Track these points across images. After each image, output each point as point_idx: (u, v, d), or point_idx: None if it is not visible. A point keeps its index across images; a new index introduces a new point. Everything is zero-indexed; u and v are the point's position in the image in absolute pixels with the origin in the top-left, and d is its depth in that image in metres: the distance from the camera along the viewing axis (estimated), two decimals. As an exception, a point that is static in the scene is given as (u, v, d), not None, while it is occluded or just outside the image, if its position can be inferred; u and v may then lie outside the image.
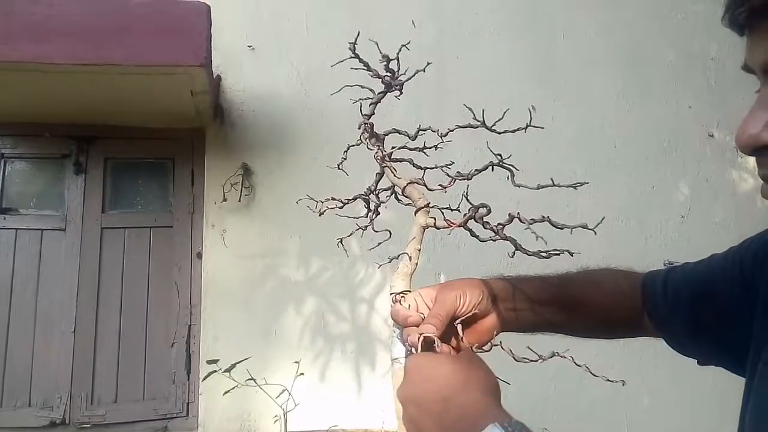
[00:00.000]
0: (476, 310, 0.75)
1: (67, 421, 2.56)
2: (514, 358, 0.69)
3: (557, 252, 0.75)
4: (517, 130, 0.81)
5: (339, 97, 1.04)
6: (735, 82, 3.21)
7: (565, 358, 0.66)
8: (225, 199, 2.78)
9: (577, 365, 0.66)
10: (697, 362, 0.84)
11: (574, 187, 0.77)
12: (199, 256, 2.80)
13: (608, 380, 0.65)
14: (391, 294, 0.77)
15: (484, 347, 0.75)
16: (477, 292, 0.75)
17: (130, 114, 2.76)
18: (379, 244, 0.95)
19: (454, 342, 0.76)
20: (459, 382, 0.61)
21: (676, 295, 0.81)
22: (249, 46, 2.98)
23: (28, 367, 2.61)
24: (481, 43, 3.21)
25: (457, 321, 0.74)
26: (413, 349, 0.71)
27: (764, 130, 0.51)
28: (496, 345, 0.74)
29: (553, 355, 0.68)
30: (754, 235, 0.75)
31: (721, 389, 2.69)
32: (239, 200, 2.79)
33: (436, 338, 0.70)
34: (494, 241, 0.76)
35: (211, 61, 2.33)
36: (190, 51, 2.20)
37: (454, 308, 0.73)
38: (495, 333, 0.78)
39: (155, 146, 2.91)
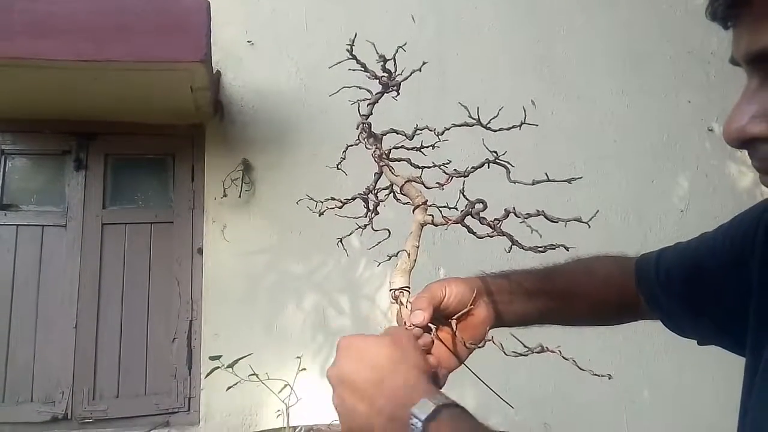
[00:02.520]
0: (470, 306, 0.76)
1: (69, 416, 2.58)
2: (504, 352, 0.70)
3: (553, 246, 0.76)
4: (512, 127, 0.82)
5: (339, 94, 1.05)
6: (734, 77, 3.18)
7: (554, 352, 0.67)
8: (225, 195, 2.78)
9: (565, 359, 0.66)
10: (697, 342, 0.84)
11: (569, 182, 0.78)
12: (200, 251, 2.80)
13: (594, 374, 0.66)
14: (390, 290, 0.78)
15: (478, 343, 0.76)
16: (462, 285, 0.77)
17: (131, 110, 2.76)
18: (379, 242, 0.96)
19: (449, 338, 0.77)
20: (392, 362, 0.61)
21: (669, 276, 0.81)
22: (249, 42, 2.98)
23: (30, 363, 2.62)
24: (481, 39, 3.21)
25: (453, 318, 0.75)
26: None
27: (750, 122, 0.51)
28: (488, 340, 0.75)
29: (543, 349, 0.69)
30: (744, 210, 0.74)
31: (722, 382, 2.70)
32: (239, 196, 2.79)
33: (432, 327, 0.72)
34: (491, 237, 0.77)
35: (211, 57, 2.33)
36: (189, 47, 2.20)
37: (440, 296, 0.75)
38: (488, 327, 0.79)
39: (155, 142, 2.92)
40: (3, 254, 2.69)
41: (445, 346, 0.76)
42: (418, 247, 0.79)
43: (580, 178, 0.79)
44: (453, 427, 0.55)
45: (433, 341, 0.73)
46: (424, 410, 0.55)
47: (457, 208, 0.80)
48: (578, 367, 0.65)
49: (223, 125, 2.89)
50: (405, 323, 0.73)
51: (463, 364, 0.78)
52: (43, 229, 2.75)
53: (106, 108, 2.73)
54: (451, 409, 0.56)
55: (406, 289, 0.77)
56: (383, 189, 0.88)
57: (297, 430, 2.17)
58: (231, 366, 2.16)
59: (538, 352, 0.69)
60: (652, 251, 0.88)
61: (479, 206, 0.76)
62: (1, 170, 2.78)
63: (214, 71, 2.72)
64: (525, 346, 0.69)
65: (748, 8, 0.48)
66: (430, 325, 0.72)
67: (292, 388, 2.20)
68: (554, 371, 2.79)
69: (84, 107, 2.71)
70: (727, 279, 0.72)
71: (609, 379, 0.66)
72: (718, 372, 2.68)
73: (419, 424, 0.54)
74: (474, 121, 0.80)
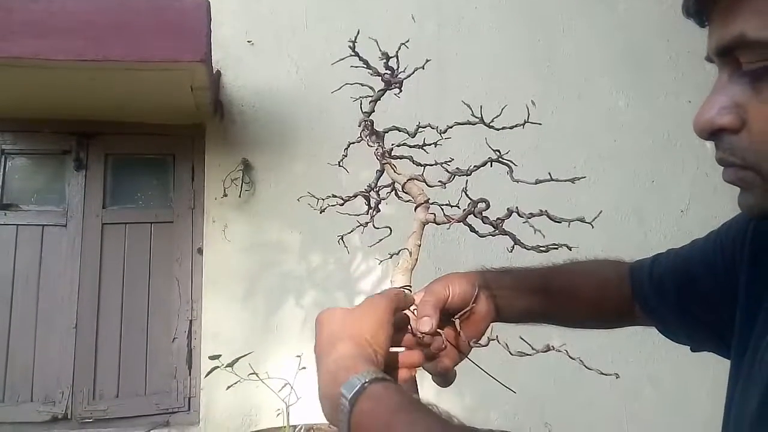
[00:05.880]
0: (473, 303, 0.75)
1: (69, 416, 2.57)
2: (510, 352, 0.70)
3: (555, 246, 0.76)
4: (515, 126, 0.82)
5: (340, 93, 1.04)
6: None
7: (560, 351, 0.67)
8: (225, 195, 2.78)
9: (572, 358, 0.66)
10: (690, 349, 0.85)
11: (572, 182, 0.78)
12: (200, 251, 2.80)
13: (602, 373, 0.65)
14: (391, 289, 0.78)
15: (481, 341, 0.76)
16: (464, 282, 0.76)
17: (130, 110, 2.76)
18: (380, 240, 0.95)
19: (452, 334, 0.77)
20: (341, 330, 0.62)
21: (661, 283, 0.82)
22: (249, 42, 2.97)
23: (30, 363, 2.62)
24: (481, 39, 3.21)
25: (456, 316, 0.75)
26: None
27: (718, 113, 0.52)
28: (492, 339, 0.75)
29: (549, 348, 0.69)
30: (732, 217, 0.75)
31: (722, 381, 2.70)
32: (240, 196, 2.79)
33: (441, 332, 0.72)
34: (494, 236, 0.77)
35: (211, 56, 2.33)
36: (189, 47, 2.20)
37: (444, 297, 0.74)
38: (489, 322, 0.79)
39: (155, 142, 2.92)
40: (3, 254, 2.69)
41: (449, 342, 0.76)
42: (419, 246, 0.79)
43: (584, 177, 0.79)
44: (379, 402, 0.53)
45: (445, 346, 0.73)
46: (351, 388, 0.54)
47: (459, 207, 0.80)
48: (585, 366, 0.65)
49: (223, 125, 2.89)
50: (410, 328, 0.73)
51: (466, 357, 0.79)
52: (43, 228, 2.74)
53: (106, 108, 2.73)
54: (380, 383, 0.55)
55: (408, 287, 0.77)
56: (385, 187, 0.88)
57: (297, 429, 2.16)
58: (230, 365, 2.16)
59: (544, 352, 0.68)
60: (646, 258, 0.88)
61: (482, 205, 0.76)
62: (1, 170, 2.78)
63: (214, 71, 2.72)
64: (532, 348, 0.69)
65: (717, 3, 0.49)
66: (438, 330, 0.72)
67: (292, 387, 2.19)
68: (554, 369, 2.79)
69: (84, 107, 2.71)
70: (718, 286, 0.73)
71: (617, 378, 0.66)
72: (718, 371, 2.68)
73: (347, 405, 0.53)
74: (476, 120, 0.80)
